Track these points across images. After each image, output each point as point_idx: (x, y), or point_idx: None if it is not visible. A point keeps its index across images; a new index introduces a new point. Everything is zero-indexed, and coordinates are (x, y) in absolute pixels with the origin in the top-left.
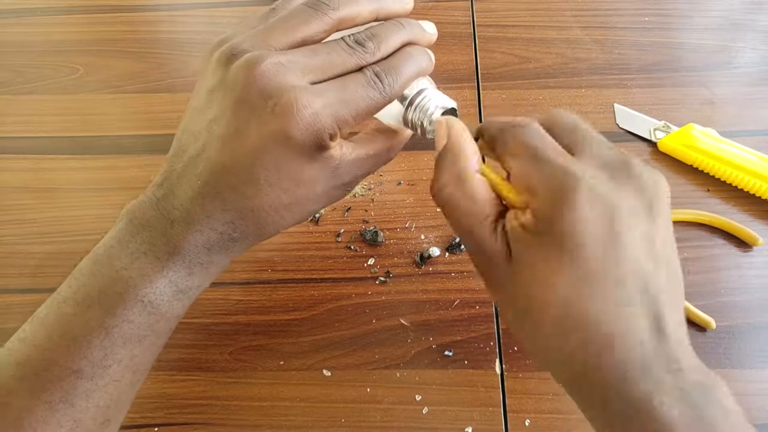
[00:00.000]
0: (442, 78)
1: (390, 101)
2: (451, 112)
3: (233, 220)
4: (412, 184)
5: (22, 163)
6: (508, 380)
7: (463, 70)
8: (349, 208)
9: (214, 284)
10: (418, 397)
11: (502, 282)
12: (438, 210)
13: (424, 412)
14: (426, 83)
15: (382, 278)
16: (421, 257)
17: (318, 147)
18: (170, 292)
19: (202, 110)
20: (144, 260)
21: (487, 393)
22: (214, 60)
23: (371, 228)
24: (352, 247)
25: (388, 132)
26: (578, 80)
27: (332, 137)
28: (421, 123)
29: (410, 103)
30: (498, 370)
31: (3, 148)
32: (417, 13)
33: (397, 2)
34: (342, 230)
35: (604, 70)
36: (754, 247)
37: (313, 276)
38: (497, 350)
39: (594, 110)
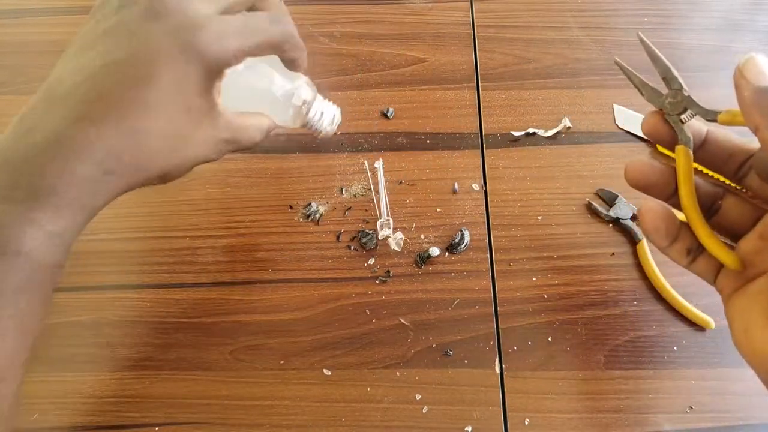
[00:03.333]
0: (442, 78)
1: (281, 42)
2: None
3: (109, 148)
4: (412, 184)
5: None
6: (507, 379)
7: (463, 71)
8: (349, 208)
9: (214, 284)
10: (418, 397)
11: None
12: (438, 210)
13: (424, 411)
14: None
15: (382, 278)
16: (421, 257)
17: (217, 71)
18: (41, 237)
19: (90, 47)
20: (5, 204)
21: (486, 392)
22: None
23: (369, 231)
24: (352, 247)
25: (264, 117)
26: (578, 81)
27: (229, 64)
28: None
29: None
30: (498, 370)
31: None
32: (417, 14)
33: None
34: (342, 230)
35: (603, 71)
36: None
37: (313, 276)
38: (497, 350)
39: (593, 111)
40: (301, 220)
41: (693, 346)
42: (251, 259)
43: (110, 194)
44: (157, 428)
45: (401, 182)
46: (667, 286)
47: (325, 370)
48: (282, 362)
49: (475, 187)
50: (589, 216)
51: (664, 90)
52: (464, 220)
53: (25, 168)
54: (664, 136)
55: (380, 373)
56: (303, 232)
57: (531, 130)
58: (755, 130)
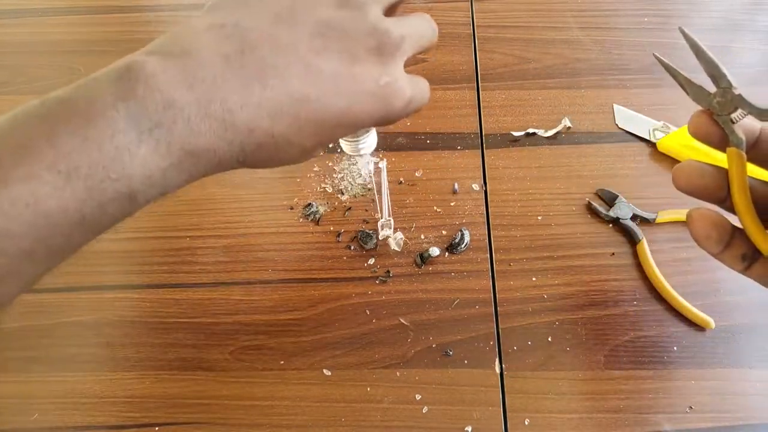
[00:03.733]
0: (442, 78)
1: (433, 44)
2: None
3: (260, 143)
4: (412, 184)
5: None
6: (507, 380)
7: (463, 71)
8: (350, 208)
9: (214, 284)
10: (418, 397)
11: None
12: (438, 210)
13: (424, 411)
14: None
15: (382, 278)
16: (421, 257)
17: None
18: (147, 180)
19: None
20: (145, 143)
21: (486, 392)
22: None
23: (369, 231)
24: (352, 247)
25: None
26: (578, 81)
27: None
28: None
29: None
30: (498, 370)
31: None
32: None
33: None
34: (342, 230)
35: (603, 71)
36: None
37: (314, 276)
38: (497, 350)
39: (593, 110)
40: (301, 220)
41: (693, 346)
42: (251, 259)
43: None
44: (157, 428)
45: (401, 182)
46: (667, 286)
47: (325, 370)
48: (282, 362)
49: (475, 187)
50: (589, 216)
51: (712, 88)
52: (464, 220)
53: (185, 125)
54: (713, 137)
55: (380, 373)
56: (303, 232)
57: (531, 130)
58: None
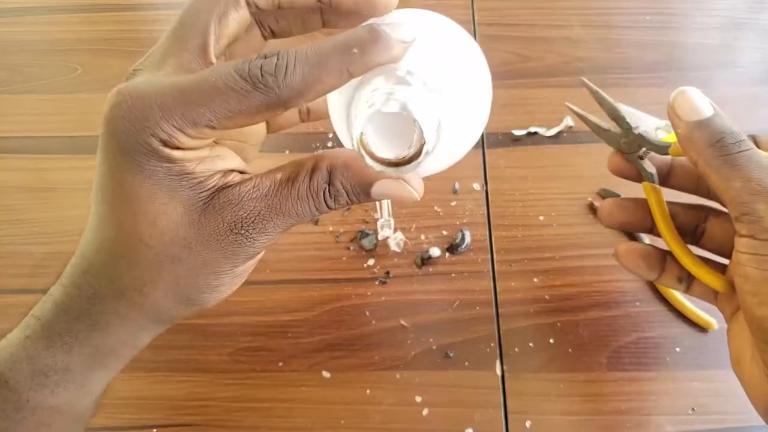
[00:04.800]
0: None
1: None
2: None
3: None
4: None
5: (20, 163)
6: (508, 381)
7: None
8: (349, 208)
9: None
10: (418, 399)
11: None
12: (438, 210)
13: (424, 413)
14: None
15: (382, 279)
16: (422, 258)
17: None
18: (27, 371)
19: None
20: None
21: (487, 394)
22: None
23: (369, 231)
24: (352, 248)
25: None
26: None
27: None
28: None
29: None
30: (498, 372)
31: (1, 148)
32: None
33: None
34: (342, 230)
35: (605, 70)
36: None
37: (313, 276)
38: (498, 351)
39: (596, 110)
40: None
41: (695, 348)
42: None
43: (112, 334)
44: (155, 430)
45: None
46: None
47: (324, 372)
48: (281, 364)
49: (476, 187)
50: (591, 216)
51: (618, 130)
52: (465, 221)
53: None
54: (629, 174)
55: (380, 375)
56: (303, 232)
57: (533, 130)
58: (694, 165)
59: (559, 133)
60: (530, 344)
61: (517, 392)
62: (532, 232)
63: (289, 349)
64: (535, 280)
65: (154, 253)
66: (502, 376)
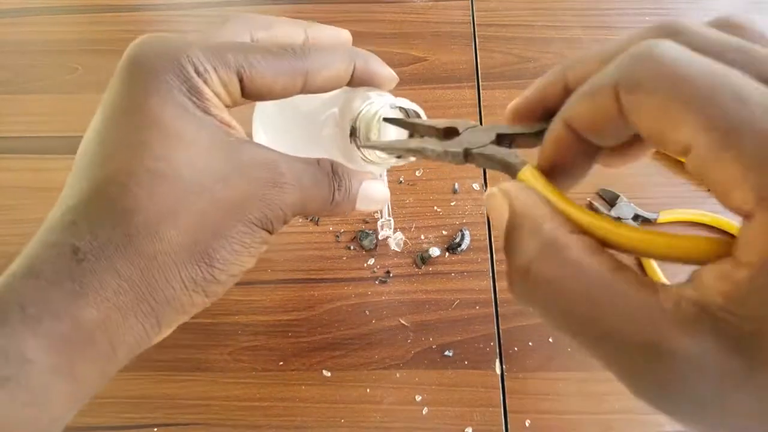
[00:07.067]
0: (442, 77)
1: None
2: (405, 115)
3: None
4: (412, 184)
5: (20, 163)
6: (508, 380)
7: (463, 70)
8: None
9: None
10: (418, 398)
11: (715, 404)
12: (438, 210)
13: (423, 412)
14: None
15: (382, 278)
16: (421, 257)
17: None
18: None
19: None
20: None
21: (487, 393)
22: None
23: (369, 231)
24: (352, 247)
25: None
26: None
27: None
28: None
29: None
30: (498, 371)
31: (1, 148)
32: (417, 13)
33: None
34: (342, 230)
35: None
36: None
37: (313, 276)
38: (497, 350)
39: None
40: (300, 220)
41: None
42: None
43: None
44: (156, 429)
45: (401, 182)
46: None
47: (324, 371)
48: (281, 363)
49: (476, 186)
50: None
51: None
52: (464, 220)
53: None
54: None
55: (380, 374)
56: (302, 232)
57: None
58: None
59: None
60: (529, 343)
61: (516, 391)
62: None
63: (289, 349)
64: None
65: (182, 182)
66: (502, 375)
